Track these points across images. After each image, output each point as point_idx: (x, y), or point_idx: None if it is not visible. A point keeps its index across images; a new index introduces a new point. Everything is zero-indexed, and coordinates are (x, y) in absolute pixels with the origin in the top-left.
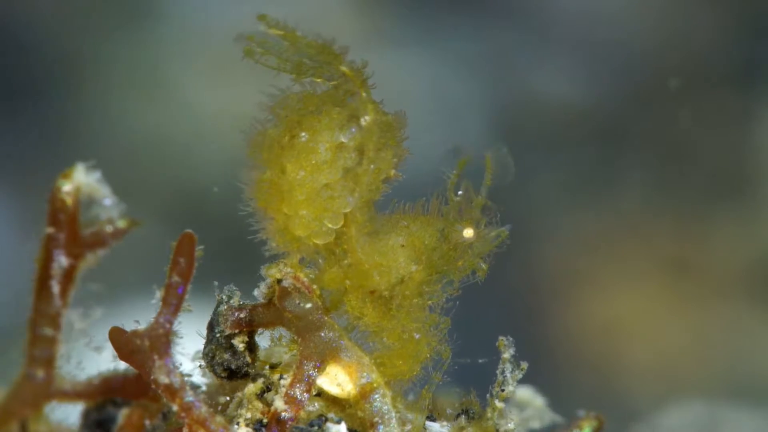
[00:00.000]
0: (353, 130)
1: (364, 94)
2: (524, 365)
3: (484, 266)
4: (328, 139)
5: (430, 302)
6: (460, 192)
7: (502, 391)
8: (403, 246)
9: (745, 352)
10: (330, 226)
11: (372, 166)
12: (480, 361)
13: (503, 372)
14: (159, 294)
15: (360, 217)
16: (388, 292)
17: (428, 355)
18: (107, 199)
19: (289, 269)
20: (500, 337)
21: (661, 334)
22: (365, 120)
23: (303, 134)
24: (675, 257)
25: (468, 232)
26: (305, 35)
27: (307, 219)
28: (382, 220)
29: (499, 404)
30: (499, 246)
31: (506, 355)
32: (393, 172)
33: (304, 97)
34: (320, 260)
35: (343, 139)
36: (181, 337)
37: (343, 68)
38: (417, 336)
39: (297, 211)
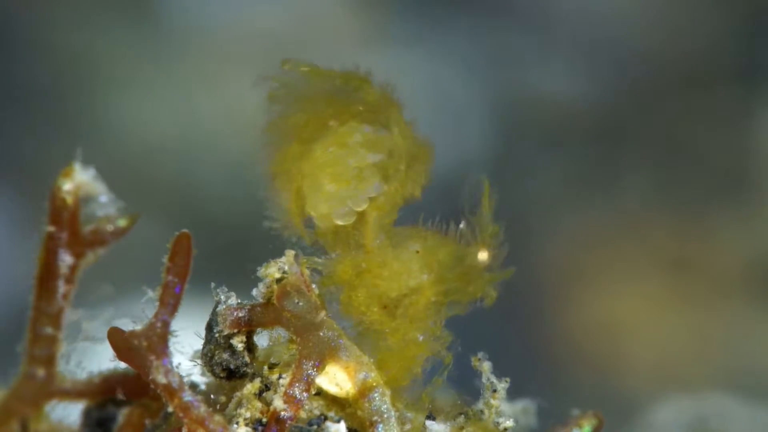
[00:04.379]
0: (384, 132)
1: (396, 114)
2: (507, 379)
3: (493, 294)
4: (359, 130)
5: (434, 318)
6: (461, 224)
7: (494, 391)
8: (418, 252)
9: (745, 350)
10: (352, 207)
11: (402, 168)
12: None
13: (489, 379)
14: (151, 294)
15: (383, 209)
16: (397, 294)
17: (421, 369)
18: (103, 196)
19: (293, 264)
20: (472, 357)
21: (661, 333)
22: (398, 134)
23: (332, 122)
24: (675, 256)
25: (483, 255)
26: (329, 68)
27: (330, 195)
28: (400, 230)
29: (495, 402)
30: (503, 281)
31: (485, 367)
32: (418, 191)
33: (331, 97)
34: (332, 253)
35: (374, 136)
36: (176, 336)
37: (372, 92)
38: (419, 338)
39: (321, 186)
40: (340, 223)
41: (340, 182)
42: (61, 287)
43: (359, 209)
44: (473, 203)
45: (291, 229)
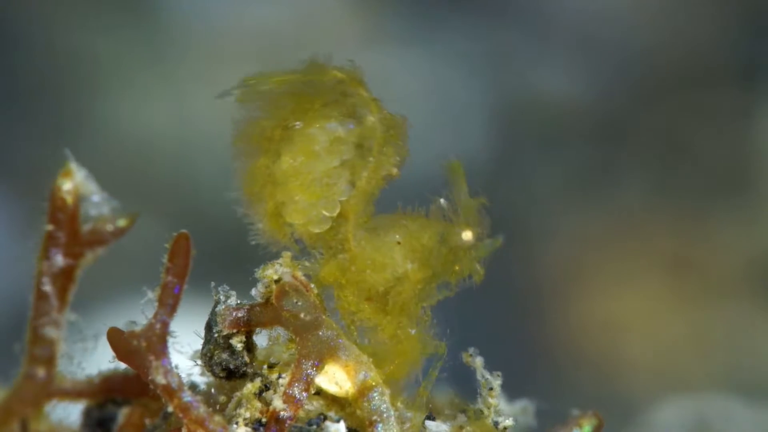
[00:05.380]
0: (351, 125)
1: (363, 93)
2: (498, 373)
3: (480, 270)
4: (324, 130)
5: (425, 303)
6: (442, 200)
7: (491, 389)
8: (399, 243)
9: (746, 349)
10: (326, 213)
11: (372, 159)
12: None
13: (483, 376)
14: (150, 294)
15: (357, 208)
16: (384, 287)
17: (419, 356)
18: (95, 195)
19: (286, 269)
20: (463, 353)
21: (661, 332)
22: (369, 116)
23: (297, 123)
24: (675, 255)
25: (467, 235)
26: (290, 68)
27: (302, 205)
28: (381, 219)
29: (493, 401)
30: (494, 252)
31: (478, 362)
32: (395, 170)
33: (296, 94)
34: (317, 254)
35: (341, 133)
36: (176, 337)
37: (336, 73)
38: (411, 332)
39: (292, 197)
40: (316, 230)
41: (309, 192)
42: (61, 288)
43: (333, 214)
44: (451, 187)
45: (276, 243)
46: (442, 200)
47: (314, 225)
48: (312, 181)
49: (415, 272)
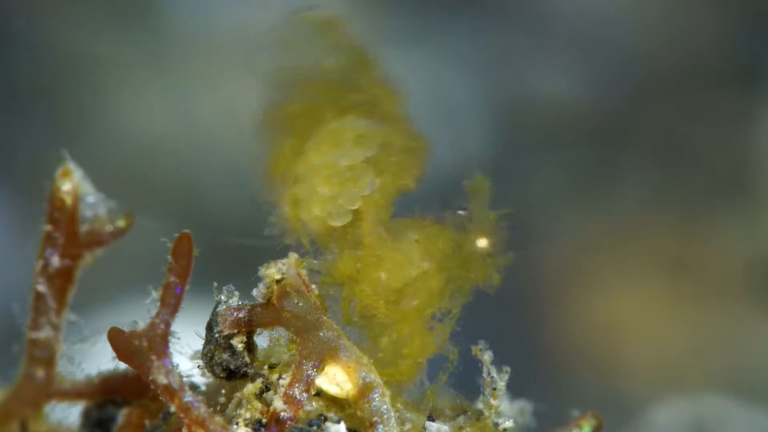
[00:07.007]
0: (376, 125)
1: (394, 110)
2: (507, 368)
3: (496, 278)
4: (353, 123)
5: (439, 306)
6: (460, 211)
7: (494, 390)
8: (417, 241)
9: (745, 351)
10: (347, 207)
11: (395, 160)
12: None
13: (489, 374)
14: (155, 294)
15: (378, 204)
16: (400, 285)
17: (426, 359)
18: (91, 196)
19: (291, 266)
20: (473, 345)
21: (660, 334)
22: (395, 131)
23: (328, 113)
24: (675, 257)
25: (482, 242)
26: (343, 34)
27: (324, 197)
28: (398, 221)
29: (494, 402)
30: (504, 266)
31: (486, 358)
32: (412, 183)
33: (330, 86)
34: (328, 252)
35: (367, 130)
36: (178, 338)
37: (376, 81)
38: (429, 330)
39: (315, 189)
40: (337, 224)
41: (333, 184)
42: (60, 288)
43: (354, 208)
44: (471, 196)
45: (290, 234)
46: (460, 212)
47: (334, 218)
48: (337, 173)
49: (432, 272)
